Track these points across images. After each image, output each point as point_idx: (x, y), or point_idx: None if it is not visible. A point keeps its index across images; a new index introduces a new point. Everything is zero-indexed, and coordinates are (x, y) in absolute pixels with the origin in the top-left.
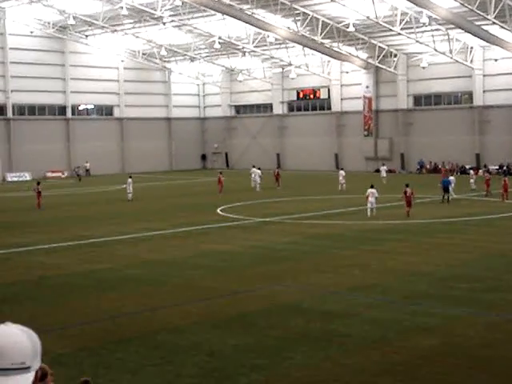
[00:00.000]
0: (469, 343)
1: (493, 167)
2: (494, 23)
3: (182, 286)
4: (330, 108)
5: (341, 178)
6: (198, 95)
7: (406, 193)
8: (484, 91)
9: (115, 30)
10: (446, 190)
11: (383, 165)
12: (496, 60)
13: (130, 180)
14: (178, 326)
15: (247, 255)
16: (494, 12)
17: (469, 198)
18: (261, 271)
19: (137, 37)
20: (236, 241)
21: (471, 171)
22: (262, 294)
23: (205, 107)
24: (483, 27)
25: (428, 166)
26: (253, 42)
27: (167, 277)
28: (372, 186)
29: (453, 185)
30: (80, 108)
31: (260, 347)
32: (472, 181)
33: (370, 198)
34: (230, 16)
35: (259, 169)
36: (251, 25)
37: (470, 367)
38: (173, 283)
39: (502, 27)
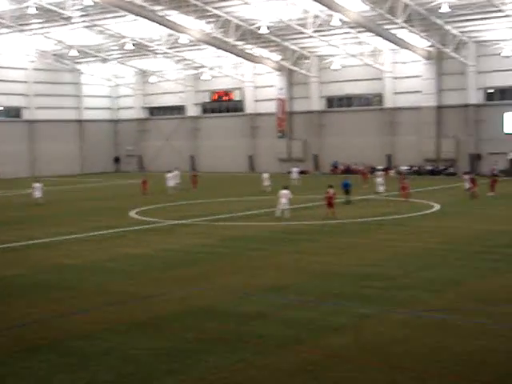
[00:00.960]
0: (380, 340)
1: (403, 167)
2: (402, 27)
3: (94, 291)
4: (243, 110)
5: (265, 179)
6: (111, 97)
7: (327, 193)
8: (394, 93)
9: (23, 30)
10: (346, 191)
11: (294, 167)
12: (405, 63)
13: (37, 184)
14: (90, 331)
15: (161, 258)
16: (403, 16)
17: (381, 198)
18: (175, 274)
19: (46, 37)
20: (150, 244)
21: (378, 172)
22: (176, 298)
23: (117, 109)
24: (392, 31)
25: (342, 167)
26: (165, 44)
27: (79, 282)
28: (285, 188)
29: (382, 187)
30: None
31: (175, 351)
32: (380, 179)
33: (282, 200)
34: (142, 17)
35: (172, 172)
36: (164, 26)
37: (381, 364)
38: (84, 288)
39: (410, 31)
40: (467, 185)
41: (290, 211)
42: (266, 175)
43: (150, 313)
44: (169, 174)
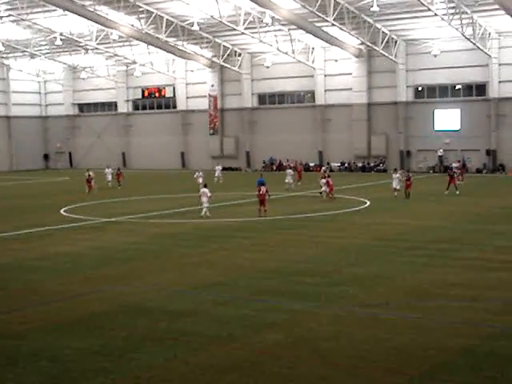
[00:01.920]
0: (313, 336)
1: (335, 164)
2: (333, 25)
3: (22, 291)
4: (175, 107)
5: (199, 177)
6: (40, 93)
7: (259, 191)
8: (325, 90)
9: None
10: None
11: (218, 164)
12: (336, 60)
13: None
14: (18, 331)
15: (92, 256)
16: (334, 14)
17: (314, 195)
18: (105, 272)
19: None
20: (80, 242)
21: (288, 170)
22: (107, 296)
23: (46, 105)
24: (324, 28)
25: (269, 164)
26: (96, 39)
27: (6, 281)
28: (205, 186)
29: (324, 188)
30: None
31: (106, 350)
32: (289, 178)
33: (202, 198)
34: (72, 12)
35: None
36: (94, 21)
37: (313, 360)
38: (12, 288)
39: (341, 29)
40: (395, 184)
41: (208, 210)
42: (199, 173)
43: (80, 312)
44: (107, 170)
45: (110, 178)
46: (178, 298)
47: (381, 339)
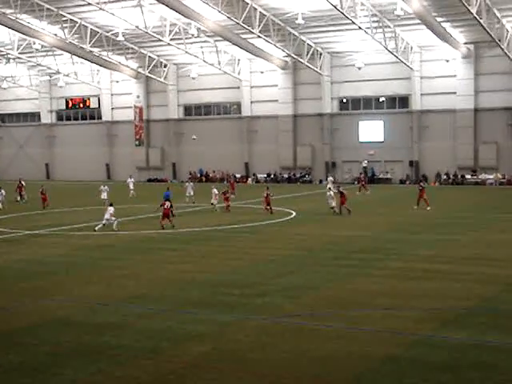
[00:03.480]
0: (239, 347)
1: (261, 175)
2: (259, 37)
3: None
4: (100, 117)
5: (131, 185)
6: None
7: (164, 205)
8: (251, 102)
9: None
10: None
11: (130, 177)
12: (262, 72)
13: None
14: None
15: (13, 270)
16: (259, 26)
17: (240, 206)
18: (28, 286)
19: None
20: (2, 255)
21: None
22: (29, 310)
23: None
24: (249, 40)
25: (199, 175)
26: (18, 49)
27: None
28: (111, 204)
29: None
30: None
31: (27, 366)
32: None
33: (106, 214)
34: None
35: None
36: (15, 30)
37: (239, 371)
38: None
39: (266, 41)
40: (331, 201)
41: (112, 224)
42: (130, 180)
43: (1, 327)
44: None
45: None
46: (102, 311)
47: (306, 349)
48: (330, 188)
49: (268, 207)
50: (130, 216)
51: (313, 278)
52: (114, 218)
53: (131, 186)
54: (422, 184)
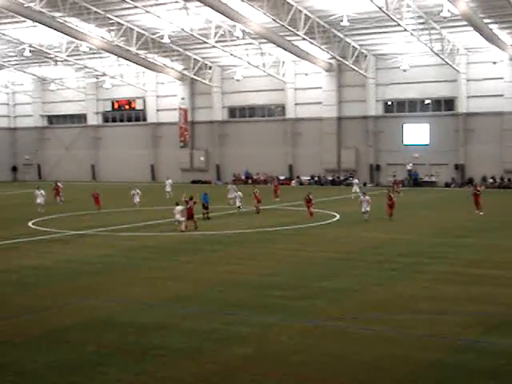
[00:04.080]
0: (282, 350)
1: (305, 178)
2: (303, 39)
3: None
4: (145, 119)
5: (168, 187)
6: (8, 104)
7: (188, 203)
8: (296, 104)
9: None
10: (205, 207)
11: (167, 178)
12: (306, 74)
13: None
14: None
15: (60, 269)
16: (304, 28)
17: (283, 208)
18: (74, 285)
19: None
20: (48, 255)
21: (229, 186)
22: (75, 309)
23: (15, 117)
24: (294, 42)
25: (244, 177)
26: (66, 51)
27: None
28: (177, 204)
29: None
30: None
31: (73, 363)
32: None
33: (176, 215)
34: (42, 23)
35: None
36: (64, 33)
37: (282, 373)
38: None
39: (311, 43)
40: (364, 207)
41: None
42: (168, 181)
43: (47, 325)
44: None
45: (169, 188)
46: (146, 312)
47: (349, 352)
48: (363, 193)
49: (309, 210)
50: (169, 218)
51: (356, 281)
52: (182, 218)
53: (168, 188)
54: (478, 188)
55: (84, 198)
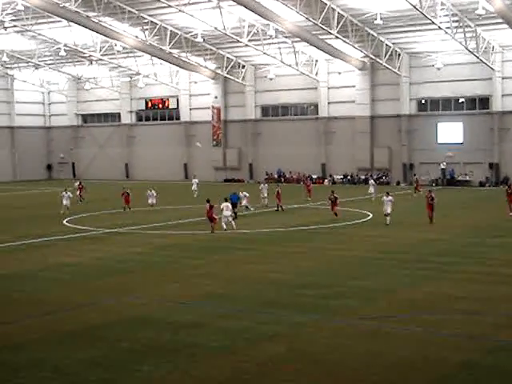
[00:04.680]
0: (314, 349)
1: (337, 177)
2: (337, 37)
3: (25, 301)
4: (178, 118)
5: (194, 186)
6: (43, 103)
7: (212, 207)
8: (328, 103)
9: None
10: (234, 205)
11: (194, 177)
12: (339, 73)
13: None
14: (20, 342)
15: (94, 267)
16: (337, 27)
17: (315, 207)
18: (108, 283)
19: None
20: (83, 252)
21: (262, 185)
22: (109, 307)
23: (50, 116)
24: (327, 41)
25: (277, 176)
26: (100, 51)
27: (9, 291)
28: (226, 200)
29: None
30: None
31: (107, 361)
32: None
33: (225, 211)
34: (76, 23)
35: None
36: (98, 33)
37: (315, 372)
38: (15, 298)
39: (344, 42)
40: (388, 208)
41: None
42: (194, 180)
43: (82, 322)
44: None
45: (195, 187)
46: (180, 310)
47: (382, 352)
48: (387, 193)
49: (334, 210)
50: (201, 216)
51: (389, 281)
52: (229, 213)
53: (194, 187)
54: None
55: (117, 196)
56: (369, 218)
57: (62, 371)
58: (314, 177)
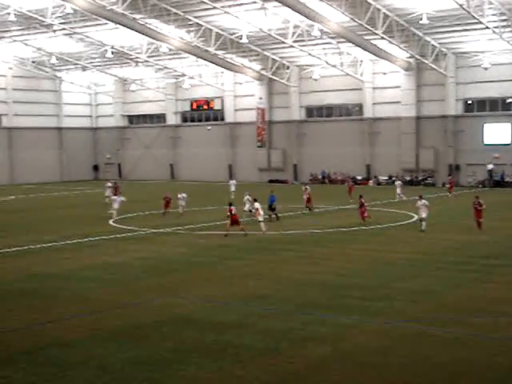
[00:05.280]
0: (359, 351)
1: (382, 178)
2: (382, 38)
3: (72, 300)
4: (223, 119)
5: (232, 187)
6: (90, 105)
7: (230, 211)
8: (373, 104)
9: (2, 37)
10: (271, 208)
11: (231, 178)
12: (385, 73)
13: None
14: (68, 340)
15: (139, 267)
16: (383, 27)
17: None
18: (153, 283)
19: (26, 44)
20: (128, 252)
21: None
22: (154, 306)
23: (97, 117)
24: (372, 41)
25: (321, 177)
26: (146, 52)
27: (57, 290)
28: (255, 200)
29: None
30: None
31: (152, 360)
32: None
33: (260, 212)
34: (123, 25)
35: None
36: (144, 35)
37: (360, 374)
38: (63, 296)
39: (389, 42)
40: (423, 213)
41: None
42: (232, 182)
43: (127, 322)
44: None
45: (233, 188)
46: (224, 310)
47: (427, 355)
48: (420, 196)
49: (362, 215)
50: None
51: (434, 283)
52: (261, 212)
53: (232, 188)
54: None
55: (161, 197)
56: (413, 219)
57: (107, 369)
58: (359, 178)
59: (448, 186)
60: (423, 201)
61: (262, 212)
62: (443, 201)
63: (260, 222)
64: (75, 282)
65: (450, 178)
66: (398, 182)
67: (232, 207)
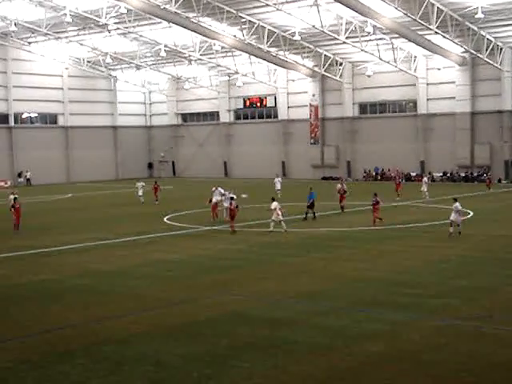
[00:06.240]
0: (414, 348)
1: (437, 174)
2: (436, 33)
3: (128, 296)
4: (276, 116)
5: (278, 185)
6: (144, 103)
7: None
8: (428, 99)
9: (59, 37)
10: (311, 206)
11: (277, 176)
12: (439, 69)
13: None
14: (124, 336)
15: (194, 264)
16: (437, 22)
17: (411, 205)
18: (207, 280)
19: (81, 44)
20: (183, 249)
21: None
22: (209, 303)
23: (151, 115)
24: (426, 37)
25: (374, 174)
26: (199, 50)
27: (113, 287)
28: (273, 199)
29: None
30: (23, 116)
31: (207, 356)
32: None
33: (278, 211)
34: (176, 24)
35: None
36: (197, 33)
37: (415, 372)
38: (119, 293)
39: (444, 37)
40: (454, 216)
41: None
42: (278, 179)
43: (182, 318)
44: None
45: (278, 186)
46: (278, 307)
47: (484, 353)
48: (454, 199)
49: (374, 214)
50: (290, 215)
51: (491, 280)
52: (280, 213)
53: (278, 186)
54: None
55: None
56: (469, 216)
57: (163, 365)
58: (413, 174)
59: (487, 181)
60: (456, 203)
61: (279, 212)
62: (496, 198)
63: (273, 221)
64: (131, 279)
65: (490, 174)
66: (425, 179)
67: (232, 202)
